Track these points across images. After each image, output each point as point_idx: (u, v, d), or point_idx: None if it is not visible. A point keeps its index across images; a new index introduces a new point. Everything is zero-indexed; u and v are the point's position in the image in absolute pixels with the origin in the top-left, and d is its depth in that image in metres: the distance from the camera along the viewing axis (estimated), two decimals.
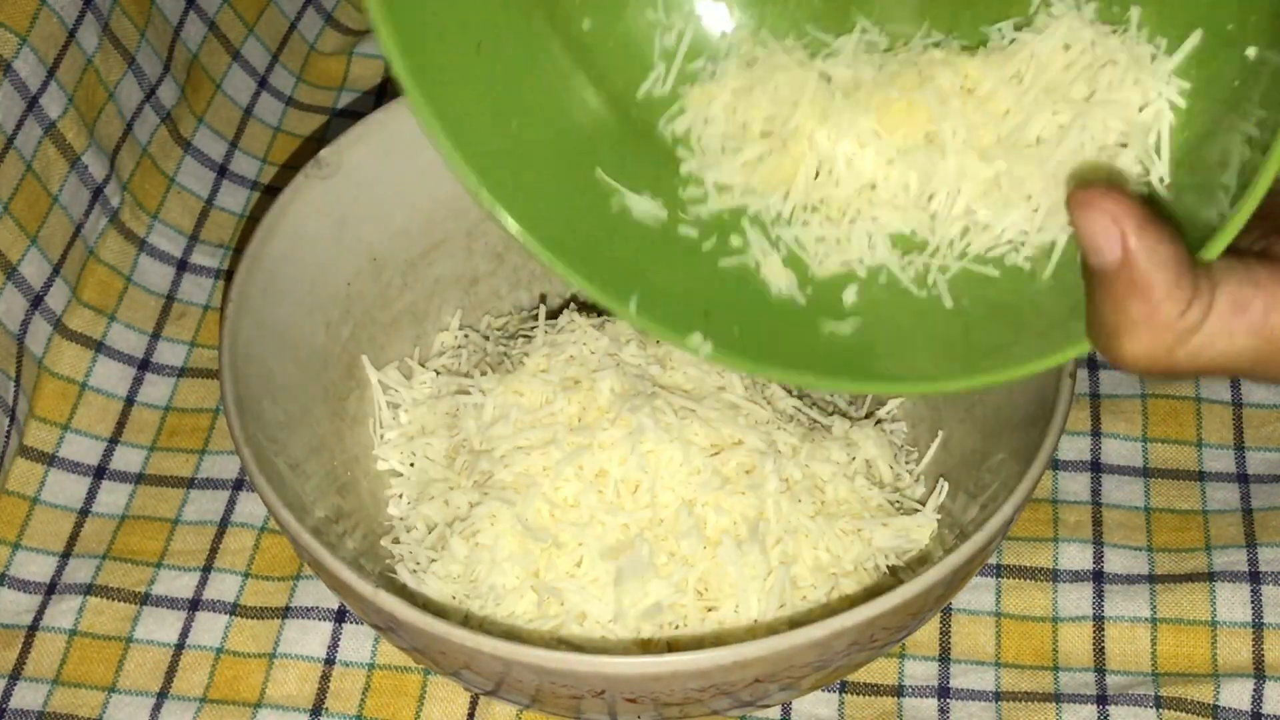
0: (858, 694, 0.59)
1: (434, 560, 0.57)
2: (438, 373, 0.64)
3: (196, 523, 0.66)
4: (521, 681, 0.50)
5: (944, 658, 0.60)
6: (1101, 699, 0.58)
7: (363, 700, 0.60)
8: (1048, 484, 0.65)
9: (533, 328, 0.63)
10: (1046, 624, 0.61)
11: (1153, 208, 0.40)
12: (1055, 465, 0.65)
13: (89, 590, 0.63)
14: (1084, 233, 0.40)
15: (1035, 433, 0.53)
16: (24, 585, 0.64)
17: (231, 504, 0.66)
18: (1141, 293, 0.39)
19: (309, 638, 0.62)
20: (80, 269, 0.71)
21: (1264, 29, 0.42)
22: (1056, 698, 0.59)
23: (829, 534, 0.55)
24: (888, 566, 0.57)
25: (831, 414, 0.62)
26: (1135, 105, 0.46)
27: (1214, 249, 0.40)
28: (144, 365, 0.71)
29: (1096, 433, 0.66)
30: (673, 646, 0.54)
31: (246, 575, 0.64)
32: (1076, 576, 0.62)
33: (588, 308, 0.64)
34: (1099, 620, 0.60)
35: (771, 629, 0.53)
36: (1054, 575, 0.62)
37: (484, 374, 0.61)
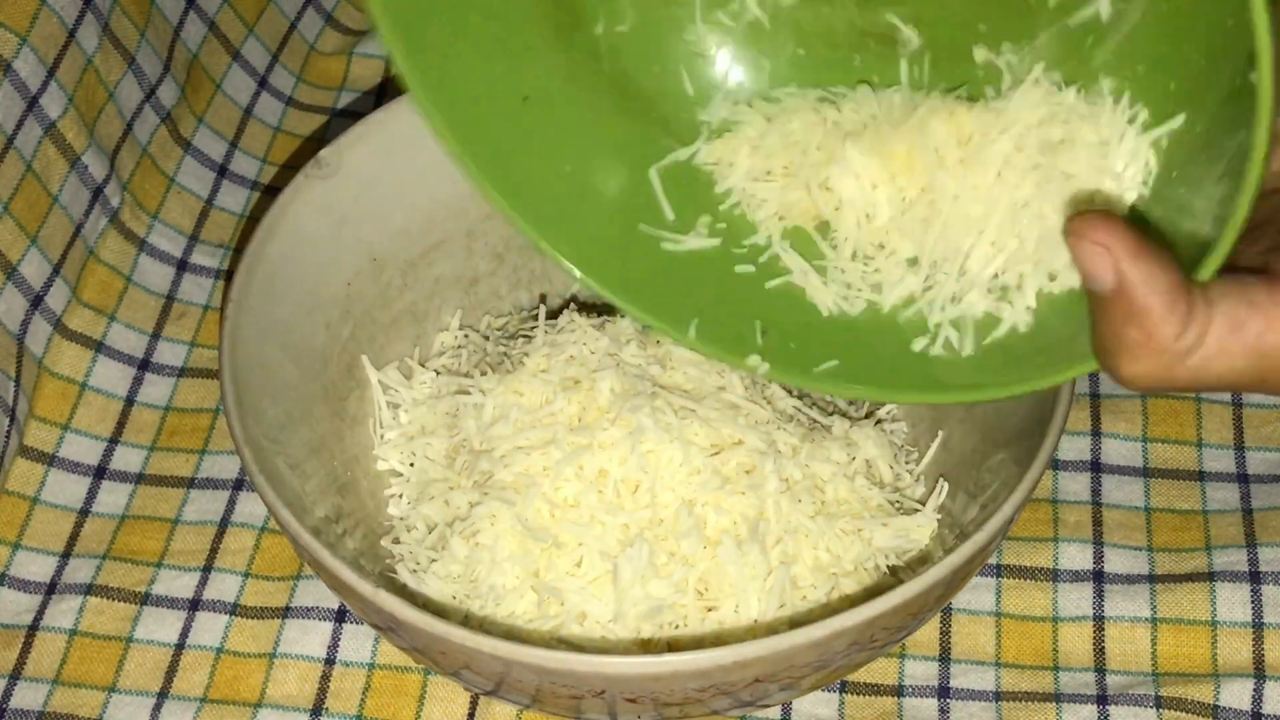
0: (858, 694, 0.59)
1: (434, 560, 0.57)
2: (438, 373, 0.64)
3: (196, 523, 0.66)
4: (521, 681, 0.50)
5: (944, 658, 0.60)
6: (1102, 699, 0.58)
7: (363, 700, 0.60)
8: (1048, 484, 0.65)
9: (533, 328, 0.63)
10: (1046, 624, 0.61)
11: (1146, 232, 0.41)
12: (1055, 465, 0.65)
13: (89, 590, 0.63)
14: (1079, 261, 0.41)
15: (1035, 433, 0.53)
16: (24, 585, 0.64)
17: (231, 504, 0.66)
18: (1138, 317, 0.40)
19: (309, 638, 0.62)
20: (80, 269, 0.71)
21: (1236, 58, 0.42)
22: (1056, 698, 0.59)
23: (829, 534, 0.55)
24: (888, 566, 0.57)
25: (831, 414, 0.61)
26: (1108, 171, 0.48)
27: (1207, 270, 0.41)
28: (144, 365, 0.71)
29: (1097, 433, 0.66)
30: (673, 646, 0.54)
31: (246, 575, 0.64)
32: (1076, 576, 0.62)
33: (587, 308, 0.64)
34: (1099, 620, 0.60)
35: (771, 629, 0.53)
36: (1054, 575, 0.62)
37: (484, 374, 0.61)
